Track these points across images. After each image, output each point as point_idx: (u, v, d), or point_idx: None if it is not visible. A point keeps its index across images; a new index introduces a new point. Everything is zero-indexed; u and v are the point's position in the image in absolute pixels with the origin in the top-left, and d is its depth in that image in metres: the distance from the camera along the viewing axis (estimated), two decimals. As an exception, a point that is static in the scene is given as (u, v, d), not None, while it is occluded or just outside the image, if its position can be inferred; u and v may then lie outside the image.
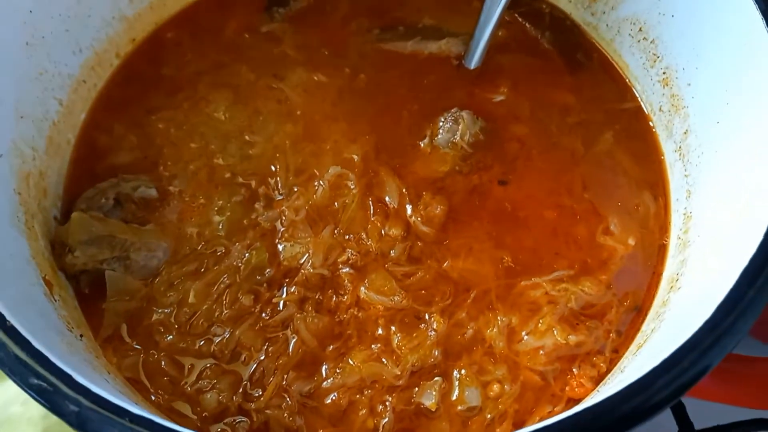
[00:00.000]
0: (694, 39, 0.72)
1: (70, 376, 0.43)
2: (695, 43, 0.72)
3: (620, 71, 0.85)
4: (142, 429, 0.41)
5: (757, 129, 0.62)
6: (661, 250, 0.74)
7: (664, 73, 0.78)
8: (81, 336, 0.62)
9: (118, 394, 0.50)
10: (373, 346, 0.68)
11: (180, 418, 0.64)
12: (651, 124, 0.82)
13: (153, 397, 0.65)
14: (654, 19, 0.77)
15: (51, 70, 0.72)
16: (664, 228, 0.76)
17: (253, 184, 0.76)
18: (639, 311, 0.71)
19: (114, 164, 0.77)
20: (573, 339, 0.69)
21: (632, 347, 0.67)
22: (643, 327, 0.69)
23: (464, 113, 0.79)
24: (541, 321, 0.70)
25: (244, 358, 0.67)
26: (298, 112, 0.81)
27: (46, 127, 0.72)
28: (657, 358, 0.45)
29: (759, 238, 0.49)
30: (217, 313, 0.69)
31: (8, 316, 0.48)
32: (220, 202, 0.75)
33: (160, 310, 0.69)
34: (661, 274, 0.73)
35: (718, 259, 0.58)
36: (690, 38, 0.73)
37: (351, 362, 0.67)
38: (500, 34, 0.87)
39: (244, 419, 0.64)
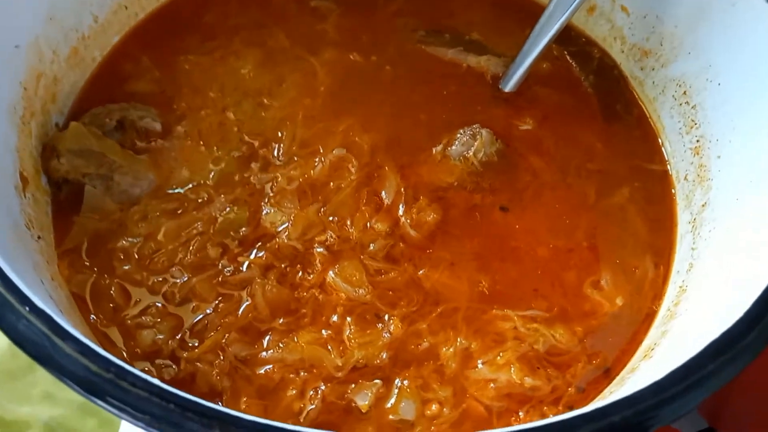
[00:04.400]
0: (735, 111, 0.69)
1: (-11, 255, 0.42)
2: (734, 116, 0.69)
3: (656, 131, 0.82)
4: (39, 321, 0.40)
5: (773, 212, 0.58)
6: (648, 319, 0.70)
7: (697, 141, 0.75)
8: (39, 237, 0.62)
9: (45, 295, 0.49)
10: (323, 331, 0.66)
11: (110, 346, 0.62)
12: (673, 191, 0.78)
13: (92, 318, 0.64)
14: (700, 84, 0.74)
15: (94, -15, 0.74)
16: (657, 297, 0.72)
17: (256, 144, 0.75)
18: (607, 373, 0.67)
19: (131, 91, 0.78)
20: (529, 381, 0.65)
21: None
22: (606, 390, 0.65)
23: (484, 131, 0.77)
24: (501, 354, 0.66)
25: (193, 307, 0.66)
26: (321, 89, 0.80)
27: (74, 37, 0.73)
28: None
29: (726, 325, 0.45)
30: (180, 257, 0.67)
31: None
32: (219, 152, 0.74)
33: (127, 239, 0.68)
34: (641, 342, 0.69)
35: (693, 336, 0.54)
36: (730, 110, 0.69)
37: (296, 340, 0.65)
38: (544, 66, 0.85)
39: (172, 365, 0.62)
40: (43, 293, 0.51)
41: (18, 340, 0.39)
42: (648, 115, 0.83)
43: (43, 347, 0.38)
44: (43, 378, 0.74)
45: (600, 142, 0.81)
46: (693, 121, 0.76)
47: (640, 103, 0.84)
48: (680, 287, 0.68)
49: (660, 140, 0.81)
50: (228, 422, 0.36)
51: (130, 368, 0.38)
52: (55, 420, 0.73)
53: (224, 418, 0.37)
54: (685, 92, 0.77)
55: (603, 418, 0.41)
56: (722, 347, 0.43)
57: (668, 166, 0.79)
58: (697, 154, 0.74)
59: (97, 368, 0.38)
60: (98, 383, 0.37)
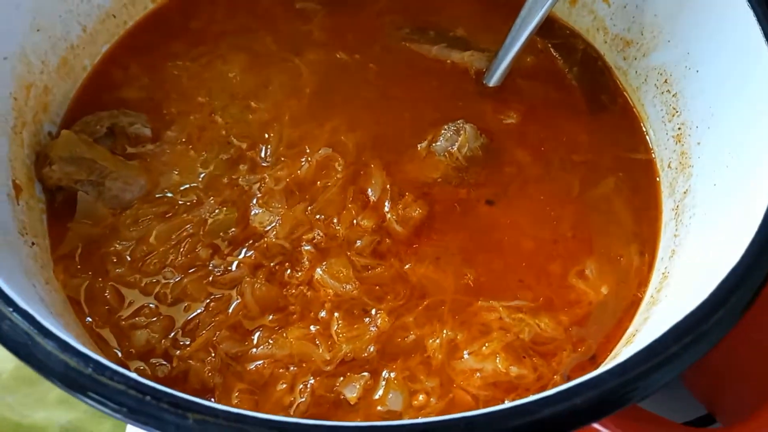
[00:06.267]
0: (712, 98, 0.69)
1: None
2: (712, 102, 0.69)
3: (640, 121, 0.83)
4: (22, 321, 0.42)
5: (747, 197, 0.59)
6: (633, 306, 0.71)
7: (679, 128, 0.75)
8: (32, 243, 0.64)
9: (35, 297, 0.50)
10: (312, 326, 0.67)
11: (105, 347, 0.64)
12: (658, 179, 0.79)
13: (88, 320, 0.66)
14: (680, 72, 0.75)
15: (81, -5, 0.76)
16: (642, 284, 0.72)
17: (244, 146, 0.77)
18: (593, 360, 0.68)
19: (121, 98, 0.79)
20: (514, 370, 0.66)
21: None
22: (591, 377, 0.66)
23: (468, 126, 0.78)
24: (486, 344, 0.67)
25: (185, 307, 0.67)
26: (307, 90, 0.82)
27: (63, 47, 0.75)
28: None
29: (690, 308, 0.46)
30: (171, 258, 0.69)
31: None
32: (208, 156, 0.76)
33: (119, 243, 0.70)
34: (626, 329, 0.69)
35: (667, 321, 0.55)
36: (709, 96, 0.70)
37: (285, 336, 0.66)
38: (528, 59, 0.86)
39: (165, 363, 0.64)
40: (33, 296, 0.53)
41: (2, 339, 0.41)
42: (632, 105, 0.84)
43: (25, 346, 0.40)
44: (57, 384, 0.76)
45: (585, 134, 0.82)
46: (674, 108, 0.76)
47: (624, 93, 0.85)
48: (663, 274, 0.69)
49: (644, 129, 0.82)
50: (201, 412, 0.38)
51: (107, 363, 0.40)
52: (72, 424, 0.75)
53: (197, 408, 0.38)
54: (666, 80, 0.78)
55: (565, 400, 0.42)
56: (685, 330, 0.44)
57: (653, 155, 0.80)
58: (679, 141, 0.75)
59: (76, 364, 0.39)
60: (78, 378, 0.39)
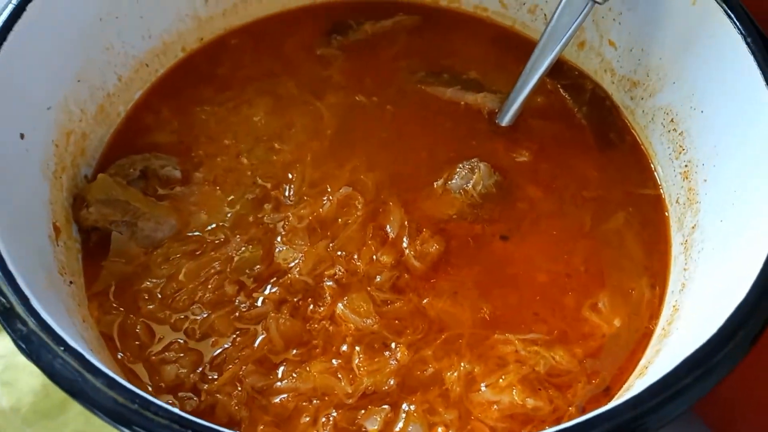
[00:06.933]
0: (717, 137, 0.72)
1: (27, 300, 0.48)
2: (717, 141, 0.72)
3: (648, 158, 0.85)
4: (72, 359, 0.45)
5: (754, 233, 0.61)
6: (645, 338, 0.73)
7: (686, 166, 0.78)
8: (71, 282, 0.68)
9: (77, 335, 0.54)
10: (333, 360, 0.70)
11: (136, 381, 0.67)
12: (667, 214, 0.81)
13: (120, 355, 0.69)
14: (685, 112, 0.78)
15: (118, 48, 0.81)
16: (654, 317, 0.74)
17: (269, 186, 0.81)
18: (607, 392, 0.70)
19: (152, 142, 0.84)
20: (530, 402, 0.68)
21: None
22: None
23: (482, 164, 0.82)
24: (503, 377, 0.69)
25: (212, 342, 0.70)
26: (328, 132, 0.86)
27: (100, 95, 0.80)
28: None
29: (702, 341, 0.48)
30: (199, 294, 0.72)
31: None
32: (234, 196, 0.80)
33: (151, 280, 0.73)
34: (638, 361, 0.71)
35: (679, 353, 0.57)
36: (713, 135, 0.73)
37: (308, 370, 0.69)
38: (539, 100, 0.90)
39: (193, 397, 0.67)
40: (75, 334, 0.56)
41: (54, 376, 0.44)
42: (640, 142, 0.87)
43: (76, 382, 0.43)
44: (74, 418, 0.78)
45: (595, 170, 0.85)
46: (681, 146, 0.79)
47: (632, 131, 0.88)
48: (674, 306, 0.71)
49: (652, 165, 0.85)
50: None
51: (152, 399, 0.43)
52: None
53: (235, 441, 0.41)
54: (672, 120, 0.81)
55: None
56: (696, 363, 0.46)
57: (661, 190, 0.83)
58: (687, 178, 0.78)
59: (124, 400, 0.42)
60: (125, 413, 0.42)
